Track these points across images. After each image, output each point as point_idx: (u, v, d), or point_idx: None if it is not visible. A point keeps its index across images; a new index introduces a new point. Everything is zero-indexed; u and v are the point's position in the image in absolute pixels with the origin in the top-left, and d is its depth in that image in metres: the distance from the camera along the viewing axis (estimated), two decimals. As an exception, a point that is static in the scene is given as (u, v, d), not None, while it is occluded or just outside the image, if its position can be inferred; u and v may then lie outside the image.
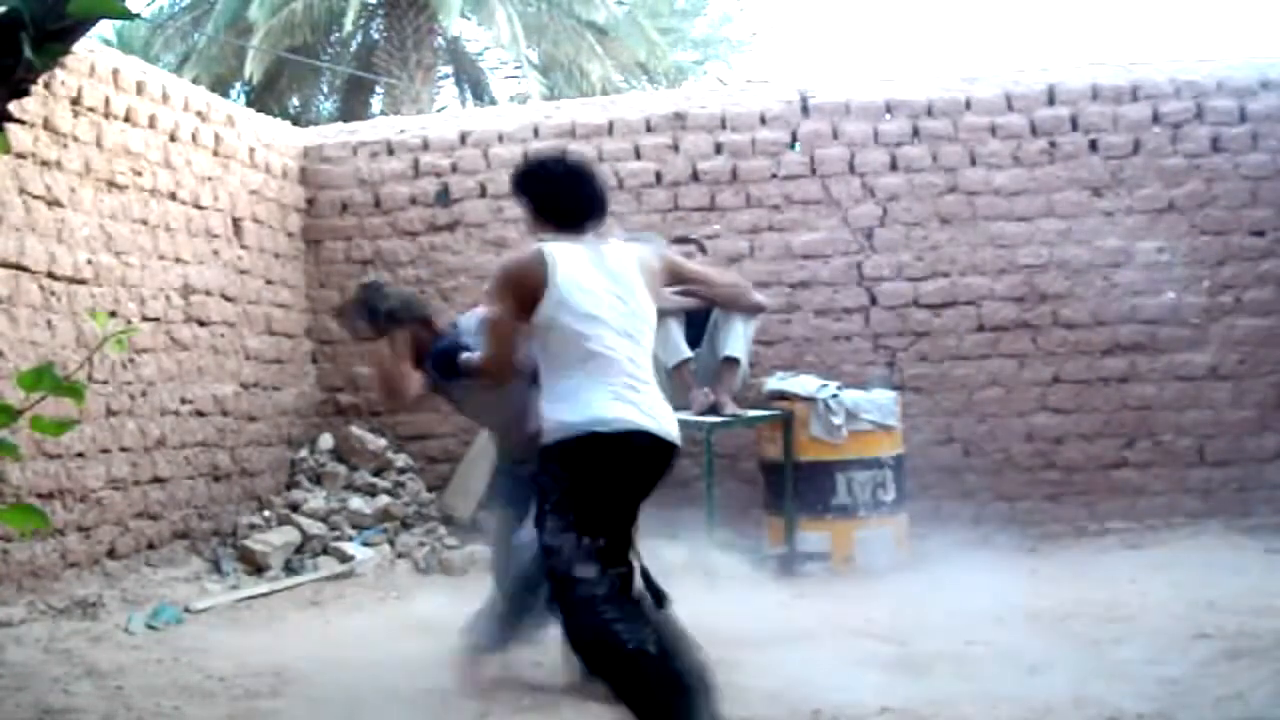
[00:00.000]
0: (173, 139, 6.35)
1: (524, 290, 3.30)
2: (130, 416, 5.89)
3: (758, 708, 3.62)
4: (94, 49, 5.87)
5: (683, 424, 6.54)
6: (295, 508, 6.79)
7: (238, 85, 17.37)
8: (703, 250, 6.56)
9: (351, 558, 6.37)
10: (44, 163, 5.41)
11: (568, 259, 3.32)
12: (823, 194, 7.15)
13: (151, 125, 6.17)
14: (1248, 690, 3.54)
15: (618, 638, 3.11)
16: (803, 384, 6.30)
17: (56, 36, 1.97)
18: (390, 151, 7.67)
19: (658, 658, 3.11)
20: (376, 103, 18.44)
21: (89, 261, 5.65)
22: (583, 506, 3.19)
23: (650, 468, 3.33)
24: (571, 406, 3.24)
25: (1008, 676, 3.80)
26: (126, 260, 5.93)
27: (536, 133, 7.50)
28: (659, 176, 7.32)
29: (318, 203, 7.69)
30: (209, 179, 6.66)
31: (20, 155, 5.26)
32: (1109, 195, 6.88)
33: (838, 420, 6.08)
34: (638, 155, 7.34)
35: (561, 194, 3.52)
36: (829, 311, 7.10)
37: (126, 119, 5.98)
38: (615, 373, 3.27)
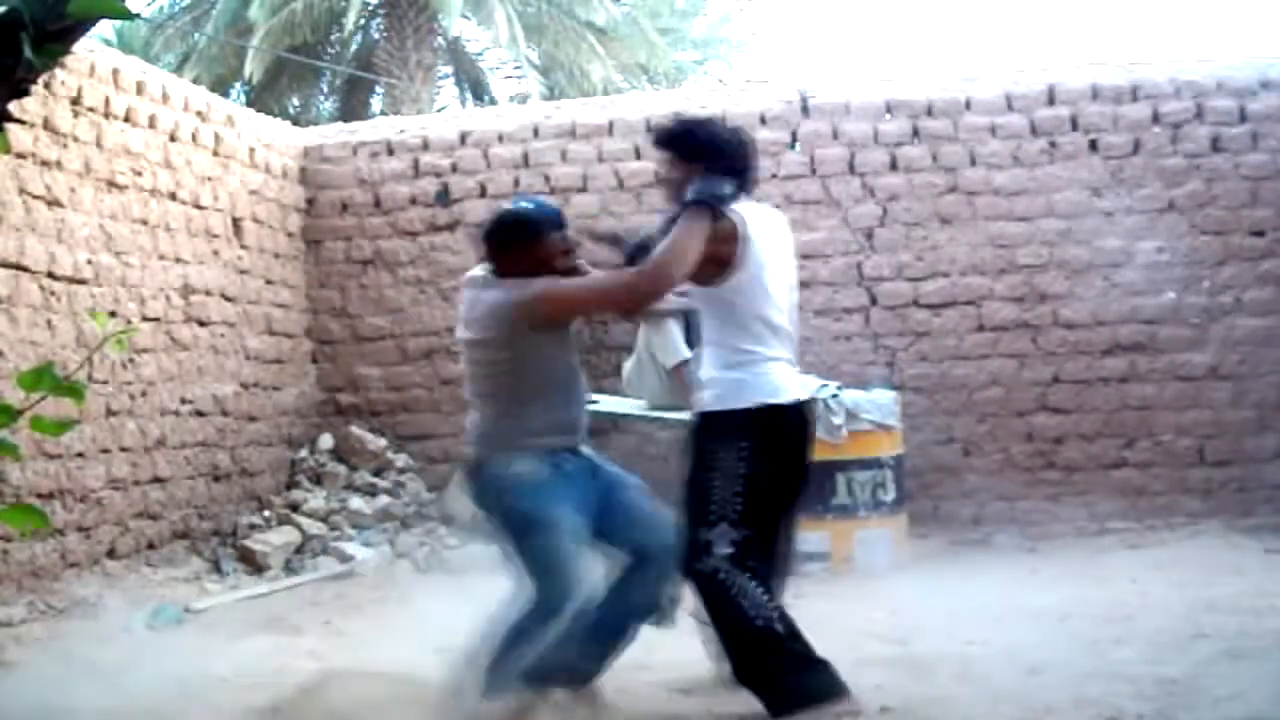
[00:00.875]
0: (173, 139, 6.35)
1: (719, 249, 3.38)
2: (130, 416, 5.89)
3: (758, 706, 3.61)
4: (94, 49, 5.87)
5: (683, 424, 6.54)
6: (295, 508, 6.79)
7: (238, 85, 17.36)
8: None
9: (351, 558, 6.38)
10: (44, 163, 5.41)
11: (758, 227, 3.46)
12: (823, 194, 7.15)
13: (151, 125, 6.18)
14: (1248, 690, 3.54)
15: (748, 614, 3.33)
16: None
17: (56, 36, 1.96)
18: (390, 151, 7.67)
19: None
20: (376, 103, 18.43)
21: (89, 261, 5.65)
22: (755, 479, 3.36)
23: (809, 440, 3.60)
24: (754, 377, 3.45)
25: (1008, 676, 3.80)
26: (126, 260, 5.93)
27: (536, 133, 7.50)
28: (659, 176, 7.31)
29: (318, 203, 7.70)
30: (209, 179, 6.66)
31: (20, 155, 5.26)
32: (1109, 195, 6.88)
33: (838, 420, 6.08)
34: (638, 155, 7.34)
35: (748, 162, 3.60)
36: (829, 311, 7.10)
37: (126, 119, 5.98)
38: (786, 346, 3.58)
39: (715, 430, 3.45)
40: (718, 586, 3.38)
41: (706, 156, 3.53)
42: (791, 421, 3.51)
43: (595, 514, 3.53)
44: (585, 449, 3.68)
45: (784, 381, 3.53)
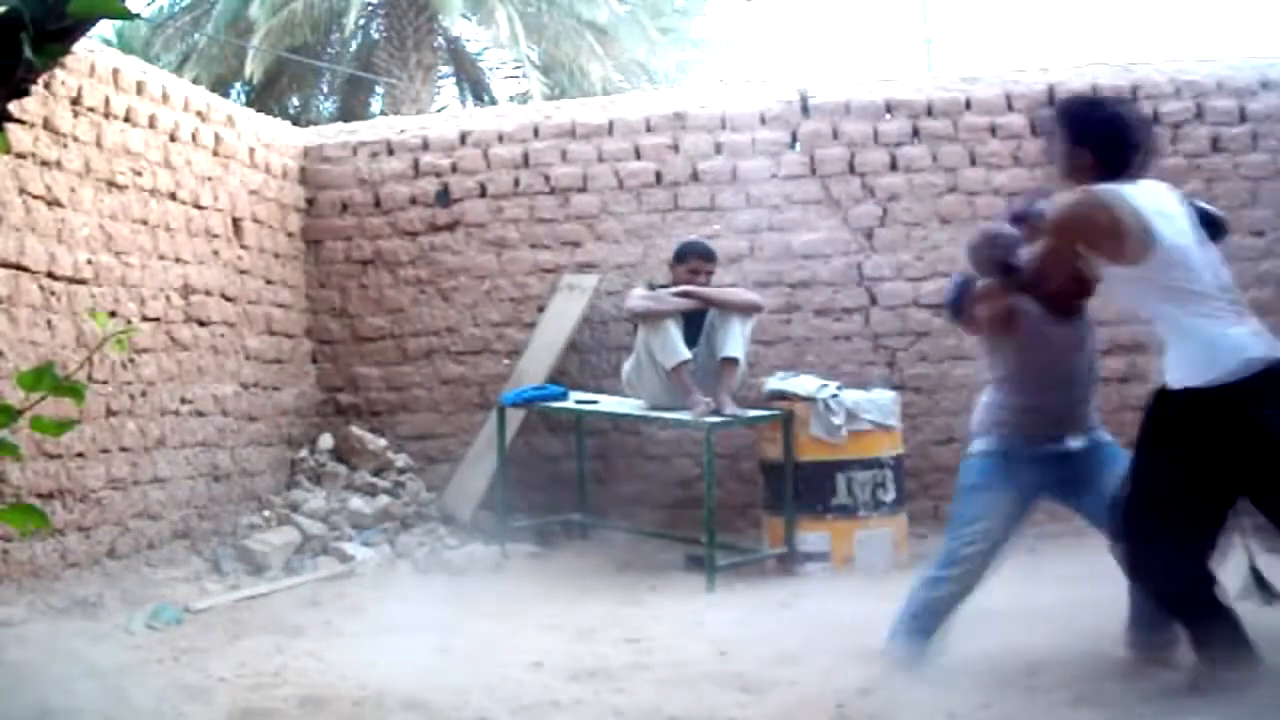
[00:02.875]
0: (173, 139, 6.34)
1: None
2: (130, 416, 5.89)
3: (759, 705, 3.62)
4: (94, 49, 5.87)
5: (683, 424, 6.56)
6: (295, 508, 6.78)
7: (238, 85, 17.37)
8: (711, 258, 6.53)
9: (351, 558, 6.38)
10: (44, 163, 5.40)
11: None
12: (823, 194, 7.15)
13: (151, 125, 6.17)
14: (1248, 690, 3.54)
15: None
16: (803, 384, 6.30)
17: (56, 36, 1.96)
18: (390, 151, 7.67)
19: None
20: (376, 103, 18.44)
21: (89, 261, 5.65)
22: None
23: None
24: None
25: (1008, 675, 3.80)
26: (126, 260, 5.93)
27: (536, 133, 7.50)
28: (659, 176, 7.32)
29: (318, 203, 7.70)
30: (209, 179, 6.66)
31: (20, 155, 5.26)
32: (1109, 195, 6.87)
33: (838, 420, 6.08)
34: (638, 155, 7.34)
35: (1129, 140, 3.59)
36: (829, 311, 7.10)
37: (126, 119, 5.98)
38: None
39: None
40: None
41: (1093, 141, 3.60)
42: None
43: (1071, 498, 4.22)
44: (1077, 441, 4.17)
45: None
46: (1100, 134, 3.60)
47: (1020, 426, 4.07)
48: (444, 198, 7.55)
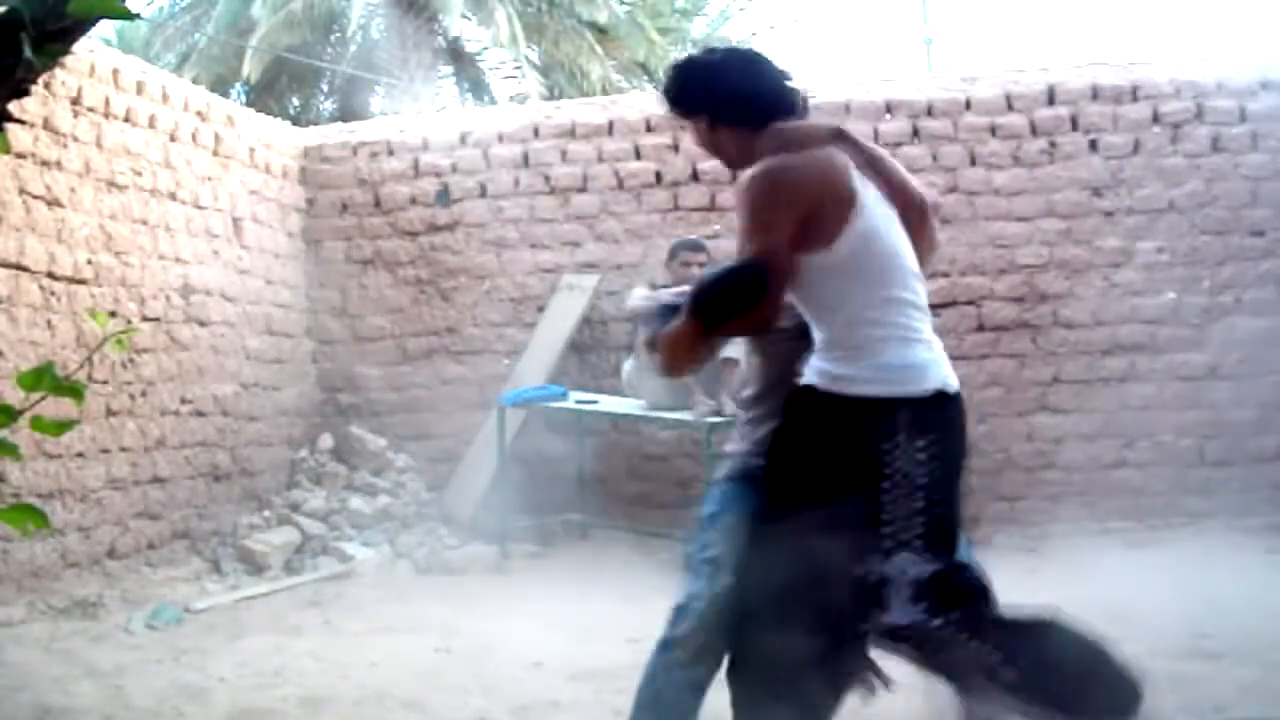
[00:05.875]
0: (173, 139, 6.35)
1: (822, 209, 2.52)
2: (130, 416, 5.89)
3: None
4: (94, 49, 5.87)
5: (683, 424, 6.56)
6: (295, 508, 6.78)
7: (238, 85, 17.36)
8: (701, 250, 6.55)
9: (351, 558, 6.37)
10: (44, 163, 5.41)
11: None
12: (823, 194, 7.13)
13: (151, 125, 6.18)
14: (1248, 690, 3.54)
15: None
16: (803, 384, 6.29)
17: (56, 36, 1.96)
18: (390, 151, 7.67)
19: None
20: (376, 103, 18.44)
21: (89, 261, 5.65)
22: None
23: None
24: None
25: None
26: (126, 260, 5.93)
27: (536, 133, 7.50)
28: (659, 176, 7.32)
29: (318, 203, 7.70)
30: (209, 179, 6.66)
31: (20, 155, 5.26)
32: (1109, 195, 6.88)
33: (838, 420, 6.07)
34: (638, 155, 7.34)
35: (761, 88, 2.80)
36: (829, 311, 7.09)
37: (126, 119, 5.98)
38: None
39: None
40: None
41: (718, 103, 2.80)
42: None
43: None
44: None
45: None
46: (729, 91, 2.78)
47: None
48: (444, 198, 7.55)
